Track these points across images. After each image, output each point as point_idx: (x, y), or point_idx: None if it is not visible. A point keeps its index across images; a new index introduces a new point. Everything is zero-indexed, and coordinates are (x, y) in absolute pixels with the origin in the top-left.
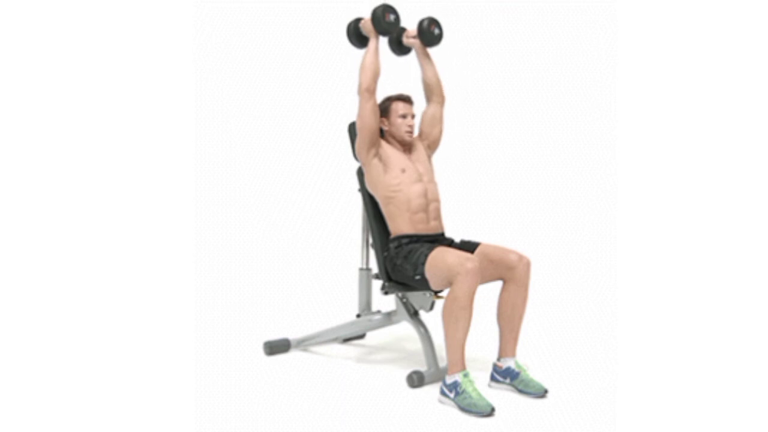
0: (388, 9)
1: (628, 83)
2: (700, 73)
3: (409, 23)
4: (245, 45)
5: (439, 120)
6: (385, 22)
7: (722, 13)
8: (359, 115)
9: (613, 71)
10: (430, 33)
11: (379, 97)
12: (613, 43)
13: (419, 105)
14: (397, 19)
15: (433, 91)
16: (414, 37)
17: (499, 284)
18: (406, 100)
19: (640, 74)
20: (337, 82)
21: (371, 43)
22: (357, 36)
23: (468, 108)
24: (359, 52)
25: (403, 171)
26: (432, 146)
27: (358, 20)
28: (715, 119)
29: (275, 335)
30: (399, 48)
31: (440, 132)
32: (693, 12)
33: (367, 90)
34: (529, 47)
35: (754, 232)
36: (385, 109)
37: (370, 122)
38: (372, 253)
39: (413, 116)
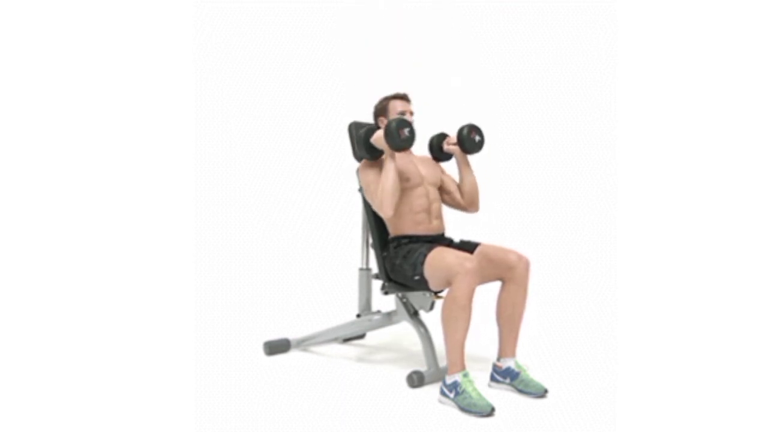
0: (402, 124)
1: (628, 83)
2: (701, 73)
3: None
4: (245, 45)
5: (454, 204)
6: (401, 140)
7: (722, 13)
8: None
9: (613, 71)
10: (470, 140)
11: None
12: (613, 43)
13: (420, 105)
14: (412, 133)
15: (468, 199)
16: (454, 144)
17: (498, 284)
18: (404, 97)
19: (640, 74)
20: (337, 82)
21: (390, 164)
22: (367, 147)
23: (468, 107)
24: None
25: (408, 180)
26: (437, 183)
27: (368, 131)
28: (716, 119)
29: (275, 335)
30: (440, 153)
31: (446, 201)
32: (693, 12)
33: (391, 213)
34: (529, 47)
35: (754, 232)
36: (382, 108)
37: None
38: (372, 253)
39: (411, 113)
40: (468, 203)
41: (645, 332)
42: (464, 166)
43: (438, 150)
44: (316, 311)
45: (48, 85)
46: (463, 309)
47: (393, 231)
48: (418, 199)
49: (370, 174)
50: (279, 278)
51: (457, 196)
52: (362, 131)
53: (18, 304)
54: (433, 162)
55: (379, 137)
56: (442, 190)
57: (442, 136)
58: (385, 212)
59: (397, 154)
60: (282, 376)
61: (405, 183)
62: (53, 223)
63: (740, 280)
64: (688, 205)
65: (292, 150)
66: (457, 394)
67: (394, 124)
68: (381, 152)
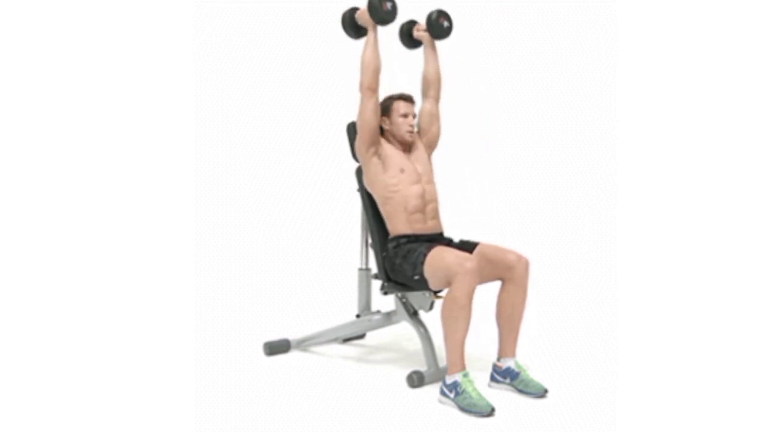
0: None
1: (628, 83)
2: (700, 73)
3: (408, 14)
4: (245, 45)
5: (436, 117)
6: (383, 12)
7: (722, 12)
8: (360, 113)
9: (613, 71)
10: (439, 25)
11: (381, 95)
12: (613, 43)
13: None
14: (395, 7)
15: (431, 87)
16: (424, 30)
17: (498, 284)
18: (408, 99)
19: (640, 74)
20: (337, 82)
21: (370, 36)
22: (352, 26)
23: (468, 107)
24: (359, 51)
25: (402, 171)
26: (431, 144)
27: (353, 10)
28: (715, 119)
29: (275, 335)
30: (410, 41)
31: (438, 129)
32: (693, 12)
33: (369, 88)
34: (529, 47)
35: (754, 232)
36: (386, 108)
37: (371, 120)
38: (371, 253)
39: (414, 116)
40: (434, 91)
41: (645, 332)
42: (431, 51)
43: (408, 37)
44: (316, 311)
45: (48, 85)
46: (463, 309)
47: (391, 231)
48: (414, 199)
49: None
50: (279, 278)
51: (427, 105)
52: (346, 11)
53: (19, 304)
54: (425, 154)
55: (363, 12)
56: (426, 123)
57: (412, 23)
58: (363, 78)
59: (395, 148)
60: (282, 376)
61: (399, 174)
62: (54, 223)
63: (740, 280)
64: (688, 204)
65: (292, 150)
66: (457, 394)
67: None
68: (365, 32)
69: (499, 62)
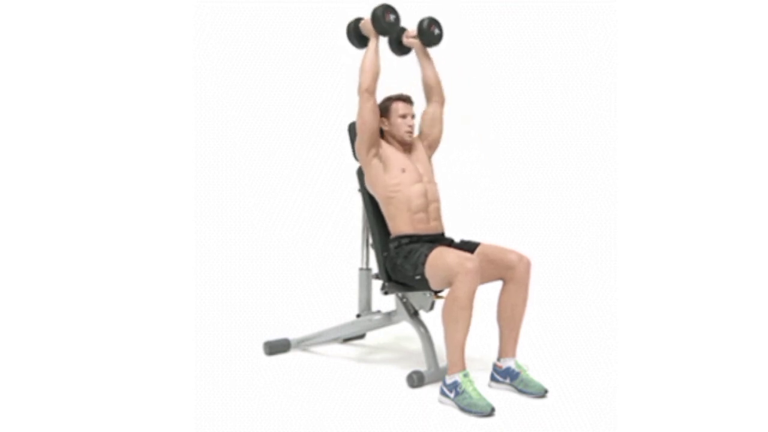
0: (388, 9)
1: (628, 83)
2: (701, 73)
3: (410, 23)
4: (245, 45)
5: (438, 120)
6: (385, 23)
7: (722, 12)
8: (359, 115)
9: (613, 71)
10: (429, 33)
11: (379, 97)
12: (613, 43)
13: (419, 105)
14: (397, 19)
15: (432, 91)
16: (414, 37)
17: (499, 284)
18: (406, 100)
19: (640, 74)
20: (337, 82)
21: (371, 43)
22: (357, 36)
23: (468, 107)
24: (359, 52)
25: (403, 171)
26: (432, 146)
27: (358, 20)
28: (716, 118)
29: (275, 335)
30: (399, 48)
31: (440, 132)
32: (693, 12)
33: (367, 90)
34: (530, 47)
35: (755, 232)
36: (385, 108)
37: (370, 122)
38: (372, 253)
39: (413, 116)
40: (437, 95)
41: (645, 333)
42: (425, 58)
43: (397, 44)
44: (316, 311)
45: (48, 85)
46: (464, 309)
47: (393, 231)
48: (417, 198)
49: None
50: (279, 278)
51: (430, 109)
52: (352, 21)
53: (19, 304)
54: (425, 155)
55: (367, 22)
56: (428, 126)
57: (401, 30)
58: (362, 81)
59: (395, 149)
60: (282, 376)
61: (401, 174)
62: (54, 223)
63: (740, 280)
64: (689, 204)
65: (292, 150)
66: (457, 394)
67: (379, 10)
68: (368, 40)
69: (498, 62)
